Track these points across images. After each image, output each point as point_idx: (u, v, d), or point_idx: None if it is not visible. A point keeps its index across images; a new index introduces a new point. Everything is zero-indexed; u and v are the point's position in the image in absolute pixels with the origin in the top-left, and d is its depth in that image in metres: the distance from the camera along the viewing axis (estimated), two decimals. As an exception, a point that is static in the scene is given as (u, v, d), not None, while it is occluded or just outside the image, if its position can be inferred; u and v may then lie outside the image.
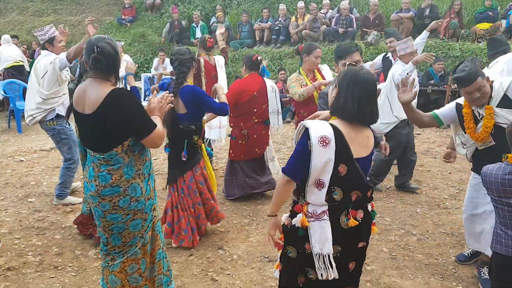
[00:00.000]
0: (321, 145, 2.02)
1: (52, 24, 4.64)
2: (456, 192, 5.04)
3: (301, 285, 2.25)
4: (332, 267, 2.09)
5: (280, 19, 11.42)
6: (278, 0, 12.34)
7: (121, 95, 2.31)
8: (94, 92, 2.30)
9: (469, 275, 3.34)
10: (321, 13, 11.00)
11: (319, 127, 2.07)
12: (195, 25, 12.34)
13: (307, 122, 2.12)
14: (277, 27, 11.37)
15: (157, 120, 2.45)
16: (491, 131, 2.93)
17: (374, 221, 2.27)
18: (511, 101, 2.90)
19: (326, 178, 2.06)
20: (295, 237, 2.18)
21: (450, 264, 3.51)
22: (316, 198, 2.10)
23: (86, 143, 2.52)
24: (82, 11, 14.72)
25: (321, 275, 2.10)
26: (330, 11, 11.09)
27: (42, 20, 13.82)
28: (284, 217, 2.29)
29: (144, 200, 2.45)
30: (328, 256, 2.08)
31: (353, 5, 11.24)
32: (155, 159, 6.43)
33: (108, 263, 2.51)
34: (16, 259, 3.54)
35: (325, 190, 2.07)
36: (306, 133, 2.09)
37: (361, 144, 2.13)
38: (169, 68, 11.20)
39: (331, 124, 2.10)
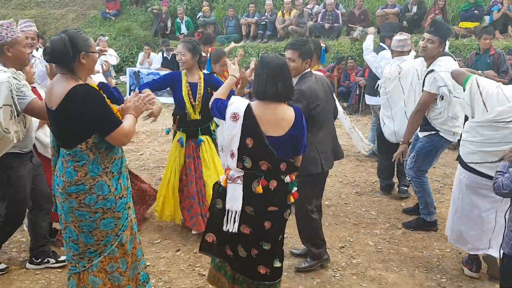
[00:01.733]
0: (232, 120, 2.43)
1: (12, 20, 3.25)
2: (440, 187, 5.13)
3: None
4: (234, 222, 2.46)
5: (266, 14, 11.40)
6: (265, -5, 12.31)
7: (83, 91, 2.24)
8: (59, 88, 2.26)
9: (453, 268, 3.41)
10: (307, 8, 11.01)
11: (236, 105, 2.46)
12: (179, 21, 12.26)
13: (232, 98, 2.53)
14: (264, 22, 11.35)
15: (128, 118, 2.41)
16: None
17: (293, 191, 2.55)
18: None
19: (235, 149, 2.44)
20: (219, 193, 2.57)
21: (435, 257, 3.58)
22: (231, 164, 2.49)
23: (56, 138, 2.59)
24: (65, 5, 14.48)
25: (226, 227, 2.48)
26: (316, 6, 11.11)
27: (24, 13, 13.55)
28: (221, 177, 2.59)
29: (114, 199, 2.40)
30: (236, 212, 2.46)
31: (339, 1, 11.28)
32: (140, 154, 6.39)
33: (85, 266, 2.43)
34: (0, 256, 3.49)
35: (235, 159, 2.45)
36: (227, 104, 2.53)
37: (271, 123, 2.43)
38: (155, 63, 11.12)
39: (248, 104, 2.44)
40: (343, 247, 3.75)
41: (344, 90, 9.41)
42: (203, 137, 3.78)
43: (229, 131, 2.44)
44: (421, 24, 9.62)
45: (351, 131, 4.87)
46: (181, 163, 3.81)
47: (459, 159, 3.16)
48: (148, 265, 3.42)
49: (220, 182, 2.57)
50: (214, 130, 3.95)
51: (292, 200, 2.58)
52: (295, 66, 3.03)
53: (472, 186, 3.07)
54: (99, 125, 2.28)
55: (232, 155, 2.46)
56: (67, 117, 2.25)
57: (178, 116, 3.81)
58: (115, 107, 2.47)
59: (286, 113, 2.46)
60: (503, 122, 2.81)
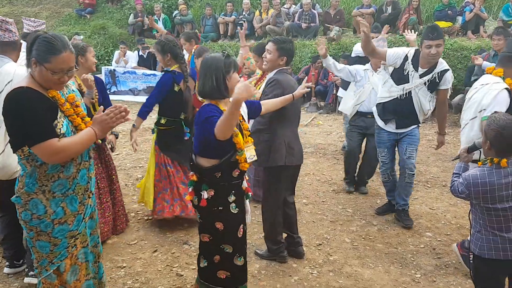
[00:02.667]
0: None
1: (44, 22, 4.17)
2: (414, 184, 5.20)
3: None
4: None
5: (244, 13, 11.39)
6: (243, -6, 12.30)
7: (15, 96, 2.01)
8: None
9: (427, 263, 3.48)
10: (284, 8, 11.06)
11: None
12: (156, 18, 12.14)
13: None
14: (241, 21, 11.32)
15: (78, 135, 2.11)
16: None
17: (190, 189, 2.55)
18: None
19: None
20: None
21: (409, 252, 3.65)
22: None
23: None
24: (39, 2, 14.16)
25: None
26: (294, 6, 11.17)
27: (-5, 10, 13.19)
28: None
29: (50, 223, 2.13)
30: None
31: (315, 1, 11.37)
32: (117, 154, 6.29)
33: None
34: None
35: None
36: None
37: None
38: (131, 61, 10.98)
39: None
40: (320, 244, 3.78)
41: (321, 89, 9.49)
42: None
43: None
44: (396, 24, 9.79)
45: None
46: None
47: None
48: (124, 266, 3.38)
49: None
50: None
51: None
52: (270, 58, 3.19)
53: None
54: (23, 133, 2.01)
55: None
56: (4, 121, 2.07)
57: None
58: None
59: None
60: (468, 100, 3.22)
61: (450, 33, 9.25)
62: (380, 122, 4.10)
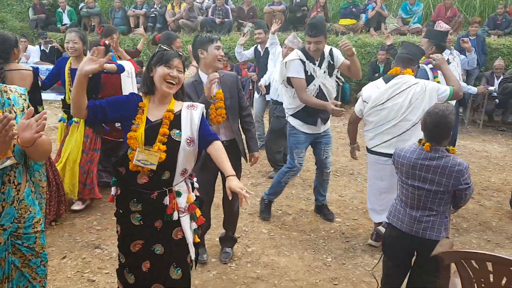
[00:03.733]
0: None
1: None
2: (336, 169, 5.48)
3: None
4: None
5: (155, 6, 11.10)
6: (153, -13, 11.96)
7: None
8: None
9: (337, 247, 3.70)
10: (197, 2, 10.96)
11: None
12: (61, 11, 11.39)
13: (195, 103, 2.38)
14: (153, 15, 11.05)
15: None
16: None
17: None
18: None
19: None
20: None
21: (321, 238, 3.84)
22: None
23: None
24: None
25: None
26: (207, 1, 11.11)
27: None
28: (193, 196, 2.38)
29: None
30: None
31: (228, -4, 11.42)
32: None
33: None
34: None
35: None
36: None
37: None
38: (33, 56, 10.17)
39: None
40: (239, 237, 3.82)
41: (237, 84, 9.57)
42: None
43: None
44: (305, 21, 10.18)
45: None
46: (78, 141, 4.10)
47: (366, 148, 3.61)
48: (30, 277, 3.14)
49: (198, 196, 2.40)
50: None
51: None
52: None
53: (376, 166, 3.55)
54: None
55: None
56: None
57: (62, 99, 4.13)
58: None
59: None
60: (380, 105, 3.37)
61: (355, 30, 9.83)
62: (303, 127, 3.98)
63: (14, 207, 2.01)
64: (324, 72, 3.87)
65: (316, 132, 3.99)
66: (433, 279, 2.51)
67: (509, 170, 5.74)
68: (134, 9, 11.22)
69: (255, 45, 6.43)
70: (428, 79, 3.92)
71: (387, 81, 3.41)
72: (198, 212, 2.32)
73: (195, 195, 2.37)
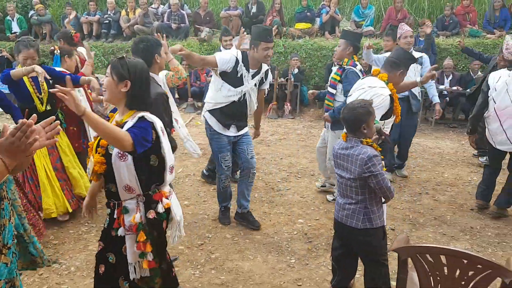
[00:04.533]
0: (163, 135, 2.25)
1: None
2: (287, 175, 5.55)
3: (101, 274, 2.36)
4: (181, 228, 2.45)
5: (109, 12, 10.86)
6: (106, -7, 11.72)
7: None
8: None
9: (300, 248, 3.74)
10: (152, 7, 10.82)
11: (155, 119, 2.22)
12: (10, 19, 10.95)
13: (144, 115, 2.19)
14: (107, 21, 10.81)
15: None
16: None
17: None
18: None
19: (173, 162, 2.35)
20: (162, 224, 2.32)
21: (284, 240, 3.88)
22: (169, 179, 2.35)
23: None
24: None
25: (174, 239, 2.43)
26: (162, 6, 10.99)
27: None
28: (137, 217, 2.22)
29: None
30: (180, 218, 2.44)
31: (184, 1, 11.35)
32: None
33: None
34: None
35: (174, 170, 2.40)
36: (149, 123, 2.18)
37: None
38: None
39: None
40: (202, 244, 3.81)
41: (197, 90, 9.55)
42: None
43: (166, 147, 2.26)
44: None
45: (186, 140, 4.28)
46: (45, 154, 4.02)
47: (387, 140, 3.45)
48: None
49: (158, 212, 2.26)
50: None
51: None
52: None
53: None
54: None
55: (172, 169, 2.34)
56: None
57: (27, 109, 3.88)
58: None
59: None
60: (348, 97, 3.57)
61: (310, 34, 10.01)
62: (219, 128, 3.95)
63: (12, 223, 1.94)
64: (255, 84, 3.93)
65: (234, 134, 3.99)
66: (377, 269, 2.67)
67: (461, 165, 6.01)
68: (87, 16, 10.94)
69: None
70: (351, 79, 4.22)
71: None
72: (141, 237, 2.21)
73: (152, 219, 2.25)
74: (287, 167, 5.85)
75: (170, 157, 2.30)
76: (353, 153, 2.57)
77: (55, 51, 4.55)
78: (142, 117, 2.17)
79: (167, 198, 2.32)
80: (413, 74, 4.90)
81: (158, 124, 2.22)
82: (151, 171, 2.25)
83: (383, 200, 2.66)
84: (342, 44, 4.42)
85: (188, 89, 9.44)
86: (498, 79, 4.12)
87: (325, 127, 4.73)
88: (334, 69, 4.61)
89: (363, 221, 2.60)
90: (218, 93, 3.88)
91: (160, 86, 3.06)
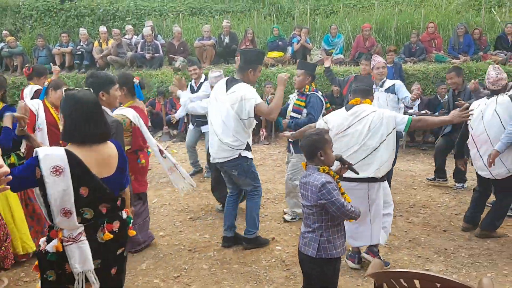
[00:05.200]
0: (55, 175, 2.10)
1: None
2: (264, 201, 5.55)
3: None
4: (96, 280, 2.24)
5: (82, 43, 10.86)
6: (78, 24, 11.76)
7: None
8: None
9: (278, 276, 3.72)
10: (125, 38, 10.88)
11: (53, 156, 2.13)
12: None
13: (38, 150, 2.16)
14: (80, 52, 10.79)
15: None
16: None
17: (130, 225, 2.50)
18: None
19: (71, 205, 2.15)
20: (51, 261, 2.22)
21: (262, 268, 3.85)
22: (68, 224, 2.18)
23: None
24: None
25: None
26: (135, 36, 11.07)
27: None
28: (41, 241, 2.27)
29: None
30: (90, 271, 2.22)
31: (157, 32, 11.46)
32: None
33: None
34: None
35: (74, 215, 2.17)
36: (36, 159, 2.13)
37: (101, 164, 2.26)
38: None
39: (66, 150, 2.17)
40: (178, 276, 3.74)
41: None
42: None
43: (53, 189, 2.11)
44: (235, 54, 10.46)
45: (171, 172, 4.37)
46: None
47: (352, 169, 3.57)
48: None
49: (46, 249, 2.21)
50: (15, 163, 3.68)
51: (132, 234, 2.52)
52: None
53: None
54: None
55: (67, 213, 2.15)
56: None
57: None
58: None
59: (111, 150, 2.35)
60: (341, 132, 3.56)
61: (282, 62, 10.24)
62: (249, 154, 4.06)
63: None
64: None
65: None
66: None
67: (433, 187, 6.15)
68: (59, 47, 10.90)
69: (190, 81, 6.59)
70: (322, 104, 4.50)
71: (348, 109, 3.63)
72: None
73: (39, 252, 2.27)
74: (264, 193, 5.83)
75: (58, 200, 2.13)
76: (309, 180, 2.63)
77: (44, 83, 4.43)
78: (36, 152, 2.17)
79: (61, 242, 2.19)
80: (386, 103, 5.09)
81: (50, 162, 2.11)
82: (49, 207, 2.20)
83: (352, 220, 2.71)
84: (302, 75, 4.63)
85: (163, 117, 9.43)
86: (477, 106, 4.34)
87: (288, 151, 4.85)
88: (293, 96, 4.82)
89: (318, 250, 2.62)
90: (247, 131, 3.96)
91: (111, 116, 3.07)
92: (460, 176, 5.98)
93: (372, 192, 3.59)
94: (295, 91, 4.81)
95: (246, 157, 3.97)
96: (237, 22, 12.12)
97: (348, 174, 3.49)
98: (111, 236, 2.29)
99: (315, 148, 2.66)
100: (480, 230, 4.45)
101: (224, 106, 3.87)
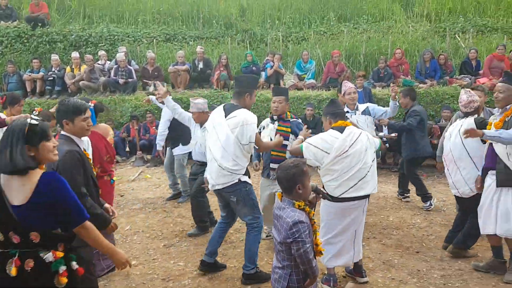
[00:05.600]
0: None
1: None
2: (239, 226, 5.51)
3: None
4: None
5: (53, 69, 10.74)
6: (50, 50, 11.65)
7: None
8: None
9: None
10: (98, 64, 10.84)
11: None
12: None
13: None
14: (51, 78, 10.66)
15: None
16: None
17: (60, 271, 2.26)
18: None
19: None
20: None
21: (238, 295, 3.82)
22: None
23: None
24: None
25: None
26: (109, 62, 11.04)
27: None
28: None
29: None
30: None
31: (130, 57, 11.48)
32: None
33: None
34: None
35: None
36: None
37: (13, 190, 2.21)
38: None
39: None
40: (152, 307, 3.67)
41: (146, 143, 9.49)
42: None
43: None
44: (210, 79, 10.55)
45: None
46: None
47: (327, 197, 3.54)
48: None
49: None
50: None
51: (63, 281, 2.24)
52: None
53: (342, 212, 3.75)
54: None
55: None
56: None
57: None
58: None
59: (30, 179, 2.22)
60: (344, 153, 3.64)
61: (257, 86, 10.39)
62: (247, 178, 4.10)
63: None
64: None
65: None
66: None
67: (405, 208, 6.27)
68: (30, 73, 10.75)
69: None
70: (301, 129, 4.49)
71: (341, 131, 3.71)
72: None
73: None
74: (239, 219, 5.83)
75: None
76: (283, 215, 2.53)
77: (20, 110, 4.39)
78: None
79: None
80: (365, 125, 5.27)
81: None
82: None
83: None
84: (283, 101, 4.66)
85: (136, 142, 9.35)
86: (453, 127, 4.58)
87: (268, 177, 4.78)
88: (266, 123, 4.84)
89: None
90: (246, 156, 3.98)
91: (77, 145, 2.98)
92: (421, 193, 6.17)
93: (365, 208, 3.83)
94: (273, 117, 4.75)
95: (245, 182, 3.97)
96: (211, 48, 12.28)
97: (352, 193, 3.64)
98: (15, 273, 2.13)
99: (294, 182, 2.54)
100: (452, 247, 4.55)
101: (223, 131, 3.88)
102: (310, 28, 13.10)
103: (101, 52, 11.18)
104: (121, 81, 10.27)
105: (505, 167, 3.82)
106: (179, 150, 6.50)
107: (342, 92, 5.56)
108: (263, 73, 10.65)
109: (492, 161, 3.96)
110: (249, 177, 4.04)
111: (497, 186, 3.89)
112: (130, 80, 10.37)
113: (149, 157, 9.47)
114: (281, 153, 4.58)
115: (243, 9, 13.76)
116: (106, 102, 9.71)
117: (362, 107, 5.42)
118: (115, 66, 10.50)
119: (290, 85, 10.21)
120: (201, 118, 5.16)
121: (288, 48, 12.20)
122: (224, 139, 3.86)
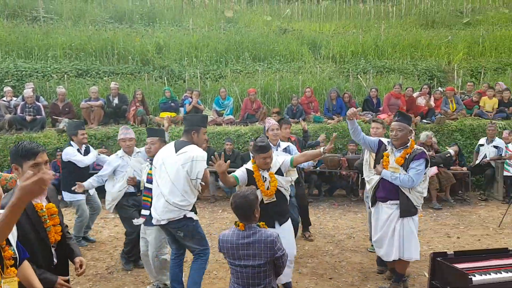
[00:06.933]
0: None
1: None
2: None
3: None
4: None
5: (-51, 105, 9.86)
6: None
7: None
8: None
9: None
10: (3, 100, 10.18)
11: None
12: None
13: None
14: None
15: None
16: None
17: None
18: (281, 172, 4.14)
19: None
20: None
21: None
22: None
23: None
24: None
25: None
26: (15, 98, 10.42)
27: None
28: None
29: None
30: None
31: (39, 93, 10.94)
32: None
33: None
34: None
35: None
36: None
37: None
38: None
39: None
40: None
41: (55, 183, 8.92)
42: None
43: None
44: (126, 115, 10.37)
45: None
46: None
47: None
48: None
49: None
50: None
51: None
52: None
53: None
54: None
55: None
56: None
57: None
58: None
59: None
60: None
61: (175, 122, 10.40)
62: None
63: None
64: None
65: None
66: None
67: (319, 236, 6.60)
68: None
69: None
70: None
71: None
72: None
73: None
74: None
75: None
76: (257, 238, 2.71)
77: None
78: None
79: None
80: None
81: None
82: None
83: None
84: (156, 142, 4.51)
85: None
86: None
87: (145, 225, 4.54)
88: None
89: None
90: (195, 191, 4.02)
91: None
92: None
93: None
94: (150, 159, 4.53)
95: (191, 218, 3.96)
96: (127, 84, 12.12)
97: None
98: None
99: (252, 207, 2.80)
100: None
101: (173, 166, 3.90)
102: (227, 66, 13.55)
103: (7, 88, 10.55)
104: (28, 118, 9.71)
105: (407, 199, 4.25)
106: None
107: (266, 128, 5.73)
108: (181, 109, 10.74)
109: (386, 193, 4.36)
110: (196, 213, 4.08)
111: (400, 217, 4.28)
112: (38, 116, 9.85)
113: (59, 197, 8.93)
114: (148, 198, 4.39)
115: (159, 46, 13.86)
116: (12, 140, 9.10)
117: (284, 144, 5.62)
118: (22, 102, 9.93)
119: (210, 120, 10.38)
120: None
121: (206, 85, 12.47)
122: (173, 174, 3.89)
